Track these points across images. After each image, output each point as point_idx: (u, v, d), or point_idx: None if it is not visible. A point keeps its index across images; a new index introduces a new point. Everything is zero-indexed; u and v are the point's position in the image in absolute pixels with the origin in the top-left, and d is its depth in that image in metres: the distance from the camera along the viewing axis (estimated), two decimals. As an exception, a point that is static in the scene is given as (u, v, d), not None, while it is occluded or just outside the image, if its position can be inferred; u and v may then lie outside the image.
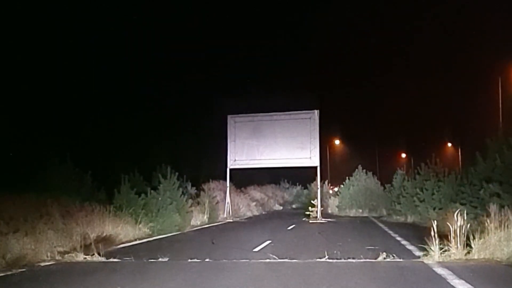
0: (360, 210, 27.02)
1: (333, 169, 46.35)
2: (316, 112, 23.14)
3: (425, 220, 17.98)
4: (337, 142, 51.65)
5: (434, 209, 16.63)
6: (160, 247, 11.72)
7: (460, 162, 40.75)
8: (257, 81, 44.08)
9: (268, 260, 8.97)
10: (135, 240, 13.34)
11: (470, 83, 41.75)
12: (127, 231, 13.49)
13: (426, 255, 8.84)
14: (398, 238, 13.09)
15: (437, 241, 8.70)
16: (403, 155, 55.66)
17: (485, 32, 39.81)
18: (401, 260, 8.78)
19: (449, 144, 51.65)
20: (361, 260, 8.76)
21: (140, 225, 14.47)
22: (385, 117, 56.02)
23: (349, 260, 8.84)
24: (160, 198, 15.39)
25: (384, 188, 26.49)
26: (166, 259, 9.24)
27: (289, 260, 8.95)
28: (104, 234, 11.95)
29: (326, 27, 46.29)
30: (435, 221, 8.84)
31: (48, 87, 20.99)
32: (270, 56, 48.12)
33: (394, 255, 8.94)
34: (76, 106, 22.91)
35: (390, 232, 15.18)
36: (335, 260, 8.82)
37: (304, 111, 23.38)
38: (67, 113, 21.71)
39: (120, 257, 9.55)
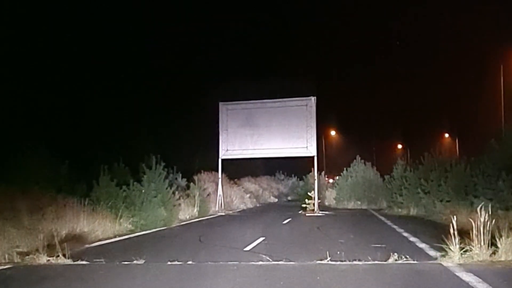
0: (359, 202, 25.82)
1: (328, 161, 45.22)
2: (313, 99, 21.80)
3: (430, 213, 16.84)
4: (332, 133, 50.46)
5: (441, 201, 15.40)
6: (139, 245, 10.46)
7: (458, 153, 39.71)
8: (251, 69, 42.66)
9: (260, 263, 7.68)
10: (115, 236, 12.04)
11: (469, 71, 40.65)
12: (105, 227, 12.17)
13: (444, 256, 7.59)
14: (405, 234, 11.86)
15: (457, 240, 7.45)
16: (399, 146, 54.65)
17: (487, 17, 38.51)
18: (415, 262, 7.50)
19: (446, 135, 50.70)
20: (369, 263, 7.49)
21: (121, 220, 13.19)
22: (381, 108, 54.90)
23: (355, 262, 7.57)
24: (143, 190, 14.08)
25: (384, 179, 25.29)
26: (141, 262, 7.93)
27: (285, 263, 7.67)
28: (77, 231, 10.64)
29: (320, 17, 44.90)
30: (455, 216, 7.59)
31: (24, 67, 19.50)
32: (265, 43, 46.67)
33: (407, 256, 7.66)
34: (55, 90, 21.42)
35: (395, 226, 13.95)
36: (338, 262, 7.56)
37: (300, 98, 22.03)
38: (45, 97, 20.22)
39: (89, 259, 8.24)
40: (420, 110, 50.93)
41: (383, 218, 17.45)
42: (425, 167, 18.16)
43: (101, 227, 11.94)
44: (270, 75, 38.59)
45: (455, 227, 7.43)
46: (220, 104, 22.82)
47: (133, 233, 12.98)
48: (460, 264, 7.17)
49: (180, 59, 35.09)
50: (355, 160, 27.54)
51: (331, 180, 35.55)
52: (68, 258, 8.10)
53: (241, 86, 25.31)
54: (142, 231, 13.39)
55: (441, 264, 7.34)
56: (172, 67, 33.49)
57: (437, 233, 11.87)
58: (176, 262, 7.79)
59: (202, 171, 25.98)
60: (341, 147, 48.35)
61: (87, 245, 10.08)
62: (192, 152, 32.05)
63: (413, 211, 18.95)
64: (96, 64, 25.68)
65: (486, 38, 36.75)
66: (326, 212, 20.89)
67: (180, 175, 23.83)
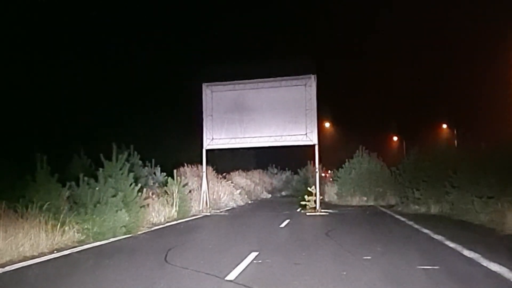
0: (365, 198, 22.61)
1: (323, 154, 42.03)
2: (313, 77, 18.41)
3: (460, 212, 13.71)
4: (327, 125, 47.22)
5: (480, 198, 12.19)
6: (72, 269, 7.10)
7: (456, 144, 36.94)
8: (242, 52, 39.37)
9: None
10: (51, 252, 8.71)
11: (467, 60, 37.78)
12: (38, 240, 8.82)
13: None
14: (449, 244, 8.63)
15: None
16: (395, 138, 51.83)
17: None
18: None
19: (444, 126, 48.03)
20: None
21: (66, 228, 9.85)
22: (375, 99, 51.76)
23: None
24: (97, 188, 10.73)
25: (391, 172, 22.13)
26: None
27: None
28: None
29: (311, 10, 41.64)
30: None
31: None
32: (256, 28, 43.36)
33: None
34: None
35: (426, 231, 10.73)
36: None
37: (297, 77, 18.63)
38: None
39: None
40: (416, 100, 47.78)
41: (402, 218, 14.25)
42: (451, 155, 14.96)
43: (30, 239, 8.59)
44: (263, 58, 35.34)
45: None
46: (204, 85, 19.41)
47: (82, 245, 9.65)
48: None
49: (163, 38, 31.67)
50: (357, 151, 24.32)
51: (323, 174, 32.51)
52: None
53: (230, 68, 22.04)
54: (96, 241, 10.08)
55: None
56: (153, 47, 30.15)
57: (495, 242, 8.76)
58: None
59: (185, 164, 22.69)
60: (334, 139, 45.21)
61: (-11, 273, 6.72)
62: (178, 143, 28.87)
63: (434, 209, 15.85)
64: (68, 47, 22.33)
65: (487, 23, 33.70)
66: (330, 211, 17.65)
67: (159, 169, 20.57)
